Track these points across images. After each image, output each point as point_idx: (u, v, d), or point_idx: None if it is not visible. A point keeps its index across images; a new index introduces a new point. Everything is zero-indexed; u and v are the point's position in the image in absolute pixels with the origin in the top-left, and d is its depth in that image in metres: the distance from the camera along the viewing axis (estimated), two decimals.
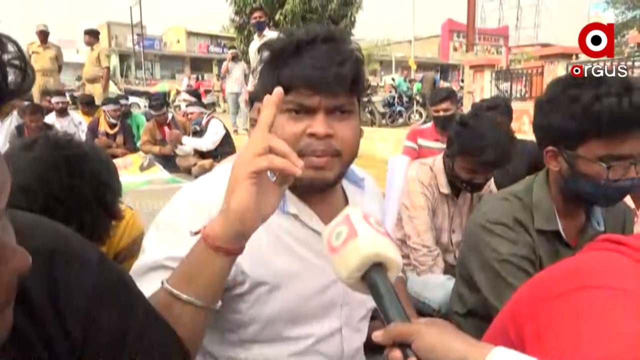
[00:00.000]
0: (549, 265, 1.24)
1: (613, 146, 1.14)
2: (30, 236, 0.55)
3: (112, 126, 6.40)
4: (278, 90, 0.71)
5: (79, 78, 8.18)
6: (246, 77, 8.50)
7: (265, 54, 0.93)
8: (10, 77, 0.43)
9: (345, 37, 0.93)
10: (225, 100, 14.58)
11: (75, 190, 1.10)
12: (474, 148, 1.95)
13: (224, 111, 11.33)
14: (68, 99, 6.87)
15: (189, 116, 6.29)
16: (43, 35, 7.65)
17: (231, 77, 8.76)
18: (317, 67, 0.85)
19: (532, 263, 1.32)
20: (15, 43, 0.45)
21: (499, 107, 3.28)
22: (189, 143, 5.92)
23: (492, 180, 2.42)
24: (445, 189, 2.23)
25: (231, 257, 0.71)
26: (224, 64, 8.90)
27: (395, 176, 2.76)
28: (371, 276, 0.67)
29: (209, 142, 5.84)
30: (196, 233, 0.72)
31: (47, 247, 0.56)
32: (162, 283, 0.72)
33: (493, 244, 1.35)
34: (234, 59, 8.73)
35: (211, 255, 0.69)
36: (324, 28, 0.91)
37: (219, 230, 0.69)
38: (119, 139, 6.42)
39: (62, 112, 6.40)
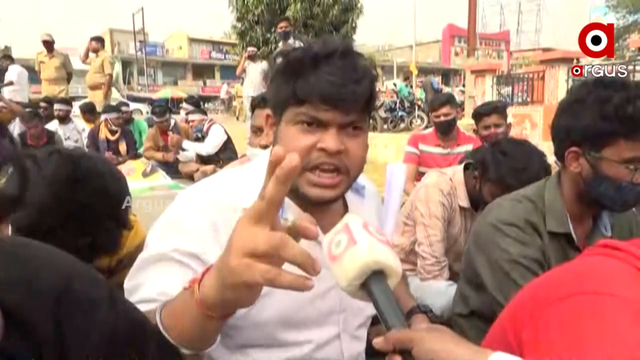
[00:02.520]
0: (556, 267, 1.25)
1: None
2: (38, 278, 0.56)
3: (112, 133, 6.39)
4: (294, 159, 0.55)
5: None
6: (265, 78, 7.61)
7: (281, 62, 0.93)
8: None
9: (360, 53, 0.93)
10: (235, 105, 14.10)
11: (89, 206, 1.11)
12: (514, 179, 1.87)
13: (244, 121, 10.57)
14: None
15: (190, 124, 6.31)
16: (47, 44, 7.71)
17: (247, 79, 7.87)
18: (334, 82, 0.86)
19: (541, 265, 1.32)
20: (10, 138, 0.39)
21: (498, 109, 3.31)
22: (190, 147, 5.94)
23: None
24: (464, 202, 2.20)
25: (224, 320, 0.68)
26: (240, 63, 7.93)
27: (393, 185, 2.75)
28: (371, 284, 0.67)
29: (209, 146, 5.85)
30: (187, 288, 0.68)
31: (53, 290, 0.56)
32: (157, 313, 0.70)
33: (503, 245, 1.35)
34: (251, 57, 7.76)
35: (203, 317, 0.65)
36: (342, 42, 0.92)
37: (212, 300, 0.63)
38: (122, 145, 6.43)
39: (64, 120, 6.42)
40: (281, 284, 0.55)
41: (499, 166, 1.96)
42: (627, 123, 1.15)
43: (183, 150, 5.97)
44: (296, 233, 0.58)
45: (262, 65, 7.77)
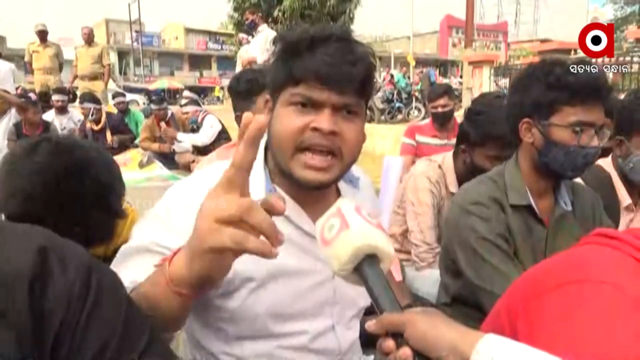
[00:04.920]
0: (521, 240, 1.39)
1: (582, 112, 1.29)
2: (5, 259, 0.54)
3: (96, 122, 6.33)
4: (258, 122, 0.58)
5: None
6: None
7: (278, 46, 0.93)
8: None
9: (358, 40, 0.93)
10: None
11: (80, 195, 1.10)
12: (499, 129, 1.90)
13: None
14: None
15: (185, 115, 6.28)
16: (42, 34, 7.68)
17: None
18: (330, 62, 0.86)
19: (506, 240, 1.40)
20: None
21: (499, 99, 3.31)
22: (184, 139, 5.92)
23: None
24: (453, 188, 2.20)
25: (193, 298, 0.67)
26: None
27: (389, 178, 2.75)
28: (364, 267, 0.67)
29: (204, 136, 5.83)
30: (158, 265, 0.69)
31: (31, 271, 0.54)
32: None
33: (471, 223, 1.43)
34: (242, 43, 7.28)
35: (171, 295, 0.66)
36: (339, 27, 0.93)
37: (180, 277, 0.64)
38: (108, 135, 6.40)
39: (62, 110, 6.39)
40: (248, 248, 0.56)
41: (479, 125, 1.98)
42: (568, 90, 1.28)
43: (178, 142, 5.95)
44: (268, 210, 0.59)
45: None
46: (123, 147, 6.35)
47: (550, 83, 1.31)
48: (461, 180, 2.19)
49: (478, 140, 2.01)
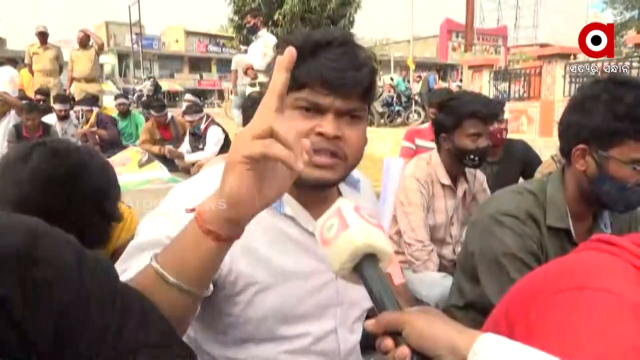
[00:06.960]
0: None
1: None
2: (1, 236, 0.54)
3: (86, 121, 6.77)
4: (291, 50, 0.65)
5: None
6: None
7: (282, 50, 0.93)
8: None
9: (361, 45, 0.94)
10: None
11: (76, 201, 1.09)
12: (470, 106, 2.04)
13: None
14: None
15: (189, 124, 6.25)
16: (42, 36, 7.69)
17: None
18: (335, 67, 0.87)
19: (537, 258, 1.32)
20: None
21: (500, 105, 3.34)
22: (191, 159, 5.94)
23: (484, 178, 2.44)
24: (445, 180, 2.25)
25: (223, 244, 0.66)
26: None
27: (390, 179, 2.76)
28: (363, 267, 0.67)
29: (208, 153, 5.84)
30: (191, 210, 0.68)
31: (18, 249, 0.54)
32: (151, 259, 0.70)
33: (500, 236, 1.35)
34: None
35: (202, 237, 0.65)
36: (342, 32, 0.93)
37: (211, 212, 0.64)
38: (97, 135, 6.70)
39: (65, 119, 6.46)
40: (275, 155, 0.59)
41: (451, 109, 2.09)
42: (639, 123, 1.15)
43: (183, 158, 6.01)
44: None
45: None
46: (108, 145, 6.53)
47: (617, 112, 1.16)
48: (451, 171, 2.26)
49: (454, 123, 2.08)
